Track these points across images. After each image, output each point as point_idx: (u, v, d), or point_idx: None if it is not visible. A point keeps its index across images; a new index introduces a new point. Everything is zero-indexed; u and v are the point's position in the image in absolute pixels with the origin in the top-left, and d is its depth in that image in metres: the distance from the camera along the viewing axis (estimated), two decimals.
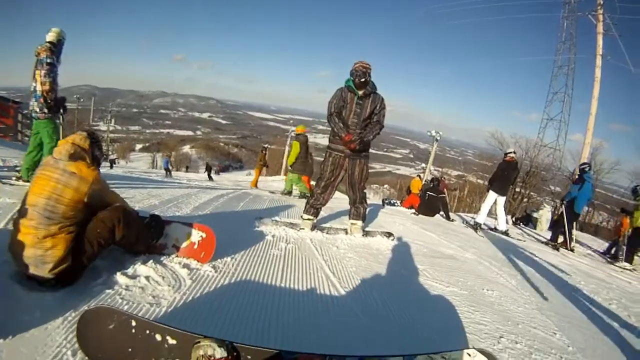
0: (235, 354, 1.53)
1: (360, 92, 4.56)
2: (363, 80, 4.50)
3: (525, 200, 26.06)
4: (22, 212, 2.25)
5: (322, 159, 4.92)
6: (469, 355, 1.64)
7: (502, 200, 9.10)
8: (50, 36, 4.90)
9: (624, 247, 9.00)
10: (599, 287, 5.19)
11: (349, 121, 4.60)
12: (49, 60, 4.77)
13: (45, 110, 4.87)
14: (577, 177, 10.07)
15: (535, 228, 11.39)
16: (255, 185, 15.33)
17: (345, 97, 4.62)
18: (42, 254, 2.17)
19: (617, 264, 8.33)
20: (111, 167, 28.96)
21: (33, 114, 4.94)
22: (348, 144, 4.54)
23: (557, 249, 8.47)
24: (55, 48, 4.90)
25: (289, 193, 10.37)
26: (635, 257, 8.59)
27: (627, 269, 7.85)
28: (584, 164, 10.22)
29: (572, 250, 8.70)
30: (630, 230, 8.97)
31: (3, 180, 4.69)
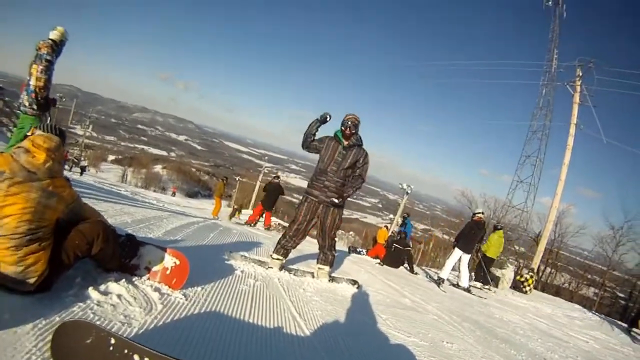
0: None
1: (346, 143, 4.73)
2: (354, 131, 4.68)
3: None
4: None
5: (295, 201, 5.01)
6: None
7: (466, 257, 9.32)
8: (54, 34, 4.90)
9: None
10: (555, 345, 5.39)
11: (328, 168, 4.73)
12: (48, 57, 4.77)
13: (35, 107, 4.82)
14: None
15: (497, 287, 11.57)
16: (216, 215, 15.50)
17: (329, 144, 4.77)
18: (23, 270, 2.13)
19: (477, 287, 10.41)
20: (81, 174, 28.36)
21: (22, 108, 4.88)
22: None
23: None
24: (57, 47, 4.91)
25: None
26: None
27: (477, 288, 10.23)
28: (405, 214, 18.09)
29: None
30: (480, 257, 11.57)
31: None
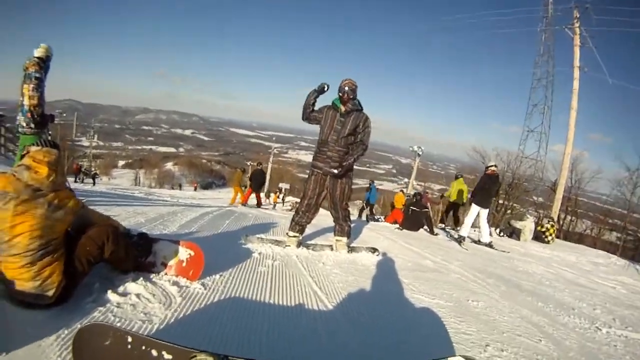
0: None
1: (343, 109, 4.65)
2: (351, 97, 4.60)
3: (508, 212, 26.26)
4: (9, 250, 2.12)
5: (306, 177, 4.99)
6: None
7: (484, 213, 9.24)
8: (39, 52, 4.91)
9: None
10: (583, 293, 5.30)
11: (329, 138, 4.66)
12: (37, 75, 4.77)
13: (32, 125, 4.85)
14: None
15: (519, 239, 11.51)
16: (235, 202, 16.38)
17: (328, 113, 4.71)
18: (41, 284, 2.15)
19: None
20: (94, 183, 28.67)
21: (20, 129, 4.91)
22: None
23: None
24: (44, 63, 4.91)
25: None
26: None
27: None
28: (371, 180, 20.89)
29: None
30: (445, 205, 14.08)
31: None
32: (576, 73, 18.30)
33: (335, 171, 4.60)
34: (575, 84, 18.25)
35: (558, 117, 25.72)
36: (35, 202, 2.18)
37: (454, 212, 13.54)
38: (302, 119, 4.81)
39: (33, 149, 2.38)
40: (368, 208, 19.04)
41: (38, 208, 2.17)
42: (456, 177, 13.89)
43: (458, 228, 11.56)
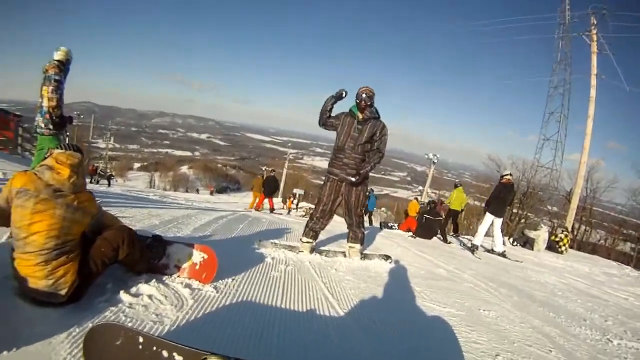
0: None
1: (361, 116, 4.64)
2: (369, 104, 4.60)
3: (522, 221, 26.04)
4: (25, 247, 2.17)
5: (322, 183, 4.99)
6: None
7: (498, 222, 9.15)
8: (59, 55, 4.98)
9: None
10: (595, 304, 5.21)
11: (346, 145, 4.65)
12: (57, 77, 4.84)
13: (51, 127, 4.92)
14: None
15: (532, 249, 11.41)
16: (253, 208, 17.09)
17: (345, 120, 4.70)
18: (54, 283, 2.18)
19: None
20: (109, 184, 29.00)
21: (38, 130, 4.98)
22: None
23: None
24: (63, 66, 4.99)
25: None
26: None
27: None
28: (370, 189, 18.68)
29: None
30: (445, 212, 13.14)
31: None
32: (593, 81, 18.12)
33: (353, 179, 4.59)
34: (593, 92, 18.07)
35: (574, 125, 25.51)
36: (55, 202, 2.21)
37: (453, 219, 13.70)
38: (319, 125, 4.81)
39: (57, 151, 2.42)
40: (367, 215, 19.00)
41: (57, 208, 2.21)
42: (455, 186, 14.21)
43: (456, 234, 12.89)
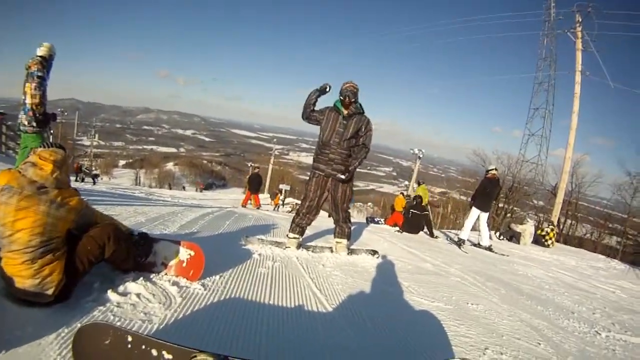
0: None
1: (346, 112, 4.64)
2: (353, 100, 4.60)
3: (508, 215, 26.27)
4: (10, 245, 2.14)
5: (307, 179, 4.99)
6: None
7: (484, 216, 9.26)
8: (42, 50, 4.92)
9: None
10: (582, 297, 5.32)
11: (331, 140, 4.65)
12: (39, 74, 4.78)
13: (34, 124, 4.86)
14: None
15: (519, 243, 11.55)
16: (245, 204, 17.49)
17: (330, 115, 4.70)
18: (41, 282, 2.15)
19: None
20: (94, 182, 28.64)
21: (21, 127, 4.92)
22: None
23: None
24: (46, 62, 4.92)
25: None
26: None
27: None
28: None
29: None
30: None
31: None
32: (578, 77, 18.34)
33: (343, 177, 4.61)
34: (577, 88, 18.29)
35: (559, 121, 25.78)
36: (38, 198, 2.18)
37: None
38: (302, 118, 4.81)
39: (39, 150, 2.40)
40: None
41: (40, 204, 2.18)
42: (419, 183, 15.41)
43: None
